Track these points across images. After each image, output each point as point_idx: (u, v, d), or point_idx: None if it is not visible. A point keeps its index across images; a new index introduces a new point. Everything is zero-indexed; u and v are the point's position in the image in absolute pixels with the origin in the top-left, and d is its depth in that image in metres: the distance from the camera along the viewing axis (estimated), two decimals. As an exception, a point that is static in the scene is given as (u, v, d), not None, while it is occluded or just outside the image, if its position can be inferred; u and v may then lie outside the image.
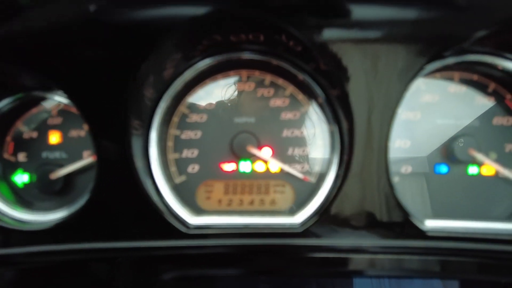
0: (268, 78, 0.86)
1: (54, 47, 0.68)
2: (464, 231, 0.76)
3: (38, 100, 0.86)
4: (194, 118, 0.86)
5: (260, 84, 0.86)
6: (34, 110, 0.86)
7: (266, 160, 0.85)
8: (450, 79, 0.85)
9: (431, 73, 0.84)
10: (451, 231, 0.76)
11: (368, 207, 0.74)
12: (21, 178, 0.86)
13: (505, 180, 0.83)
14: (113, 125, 0.71)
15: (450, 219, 0.79)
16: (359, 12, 0.66)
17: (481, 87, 0.85)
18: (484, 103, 0.85)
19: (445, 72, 0.84)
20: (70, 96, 0.71)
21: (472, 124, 0.84)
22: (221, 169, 0.86)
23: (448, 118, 0.85)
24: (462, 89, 0.85)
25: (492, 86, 0.84)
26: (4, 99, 0.82)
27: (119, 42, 0.68)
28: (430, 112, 0.85)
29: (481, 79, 0.84)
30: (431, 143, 0.85)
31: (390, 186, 0.73)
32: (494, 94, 0.85)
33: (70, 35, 0.68)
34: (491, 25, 0.67)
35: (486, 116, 0.84)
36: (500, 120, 0.84)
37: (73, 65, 0.69)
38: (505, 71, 0.80)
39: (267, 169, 0.86)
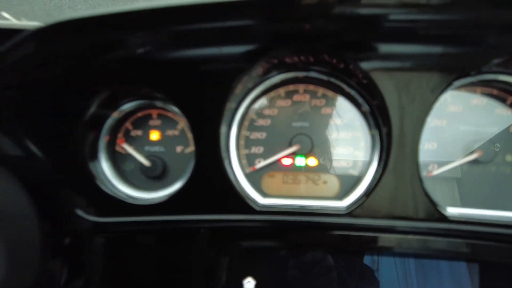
0: (321, 90, 1.06)
1: (165, 69, 0.93)
2: (488, 218, 0.91)
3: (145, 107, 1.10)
4: (260, 122, 1.07)
5: (314, 95, 1.06)
6: (139, 114, 1.11)
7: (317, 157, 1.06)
8: (473, 92, 1.01)
9: (457, 88, 1.00)
10: (473, 217, 0.91)
11: (401, 197, 0.91)
12: (129, 165, 1.12)
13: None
14: (208, 127, 0.94)
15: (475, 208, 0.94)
16: (387, 48, 0.85)
17: (500, 100, 0.99)
18: (503, 113, 0.99)
19: (468, 87, 1.00)
20: (181, 108, 0.96)
21: (492, 131, 0.99)
22: (281, 163, 1.07)
23: (470, 125, 1.00)
24: (484, 101, 1.00)
25: (510, 99, 0.98)
26: (128, 103, 1.07)
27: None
28: (455, 120, 1.01)
29: (500, 93, 0.99)
30: (455, 145, 1.01)
31: (420, 180, 0.90)
32: (512, 106, 0.99)
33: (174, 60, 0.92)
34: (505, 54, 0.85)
35: (504, 125, 0.99)
36: None
37: (181, 82, 0.93)
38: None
39: (318, 164, 1.06)
